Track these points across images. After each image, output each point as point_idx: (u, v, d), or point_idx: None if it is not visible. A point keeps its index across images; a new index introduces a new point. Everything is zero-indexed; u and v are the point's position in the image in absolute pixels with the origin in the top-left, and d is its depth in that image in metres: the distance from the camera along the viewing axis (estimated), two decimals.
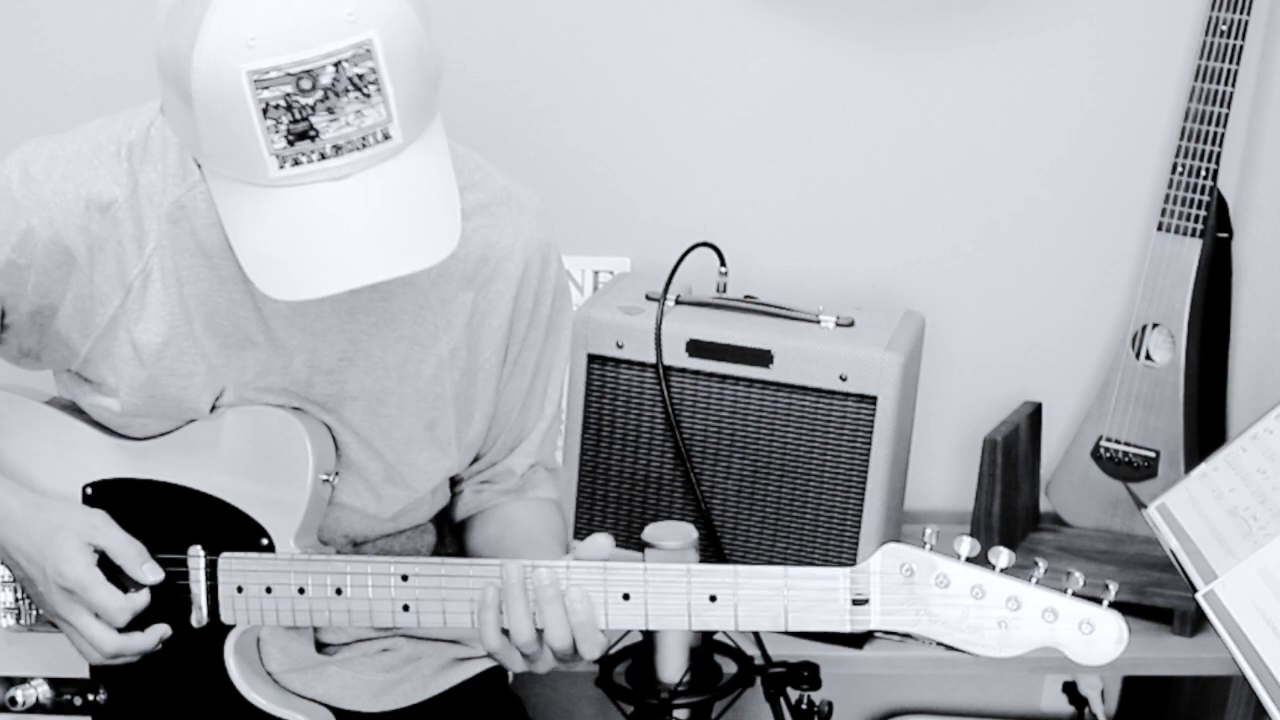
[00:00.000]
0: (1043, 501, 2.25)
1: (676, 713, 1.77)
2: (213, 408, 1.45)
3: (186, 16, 1.16)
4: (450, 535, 1.66)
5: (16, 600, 1.49)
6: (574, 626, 1.31)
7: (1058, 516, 2.23)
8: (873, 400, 1.85)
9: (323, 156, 1.17)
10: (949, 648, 1.25)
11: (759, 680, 1.81)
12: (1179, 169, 2.05)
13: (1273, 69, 2.14)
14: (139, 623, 1.39)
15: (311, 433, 1.44)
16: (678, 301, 1.97)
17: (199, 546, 1.42)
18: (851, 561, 1.90)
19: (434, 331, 1.48)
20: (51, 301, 1.41)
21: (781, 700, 1.79)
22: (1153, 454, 2.12)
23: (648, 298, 1.98)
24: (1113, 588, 1.22)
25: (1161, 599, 1.99)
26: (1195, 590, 1.55)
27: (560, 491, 1.67)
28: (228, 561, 1.41)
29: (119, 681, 1.48)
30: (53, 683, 1.49)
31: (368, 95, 1.17)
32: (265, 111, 1.15)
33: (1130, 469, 2.14)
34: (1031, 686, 2.47)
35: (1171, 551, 1.64)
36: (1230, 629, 1.49)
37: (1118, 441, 2.15)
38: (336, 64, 1.15)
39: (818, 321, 1.93)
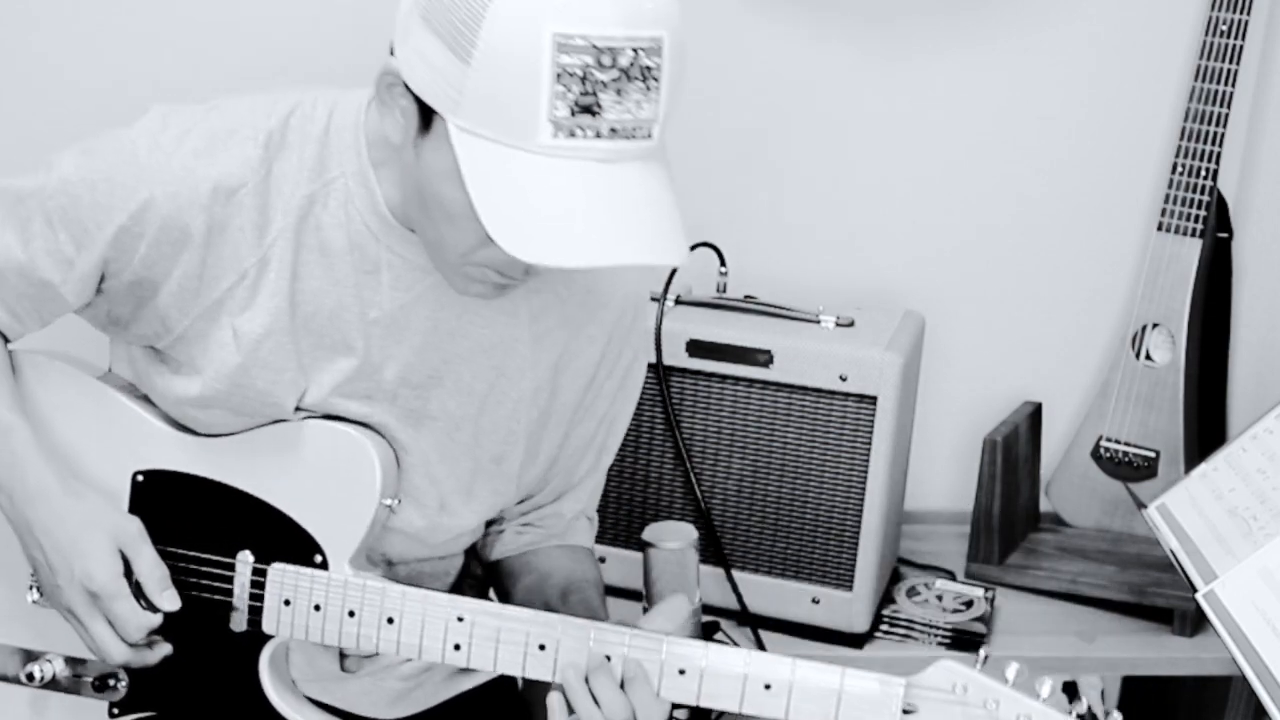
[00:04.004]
0: (1043, 501, 2.25)
1: (676, 713, 1.77)
2: (296, 408, 1.41)
3: None
4: (475, 562, 1.63)
5: None
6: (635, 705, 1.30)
7: (1058, 516, 2.23)
8: (873, 400, 1.85)
9: (598, 135, 1.15)
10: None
11: None
12: (1179, 169, 2.05)
13: (1273, 69, 2.14)
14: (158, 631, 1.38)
15: (381, 455, 1.40)
16: (678, 301, 1.97)
17: (249, 552, 1.40)
18: (851, 560, 1.90)
19: (522, 366, 1.45)
20: (155, 276, 1.36)
21: None
22: (1153, 454, 2.12)
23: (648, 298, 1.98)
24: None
25: (1161, 599, 1.99)
26: (1195, 590, 1.55)
27: (593, 542, 1.66)
28: (279, 573, 1.38)
29: (142, 673, 1.44)
30: (70, 661, 1.45)
31: (649, 89, 1.16)
32: (559, 76, 1.12)
33: (1130, 469, 2.14)
34: (1031, 687, 2.46)
35: (1171, 551, 1.64)
36: (1230, 629, 1.49)
37: (1118, 441, 2.15)
38: (635, 50, 1.14)
39: (818, 321, 1.93)
